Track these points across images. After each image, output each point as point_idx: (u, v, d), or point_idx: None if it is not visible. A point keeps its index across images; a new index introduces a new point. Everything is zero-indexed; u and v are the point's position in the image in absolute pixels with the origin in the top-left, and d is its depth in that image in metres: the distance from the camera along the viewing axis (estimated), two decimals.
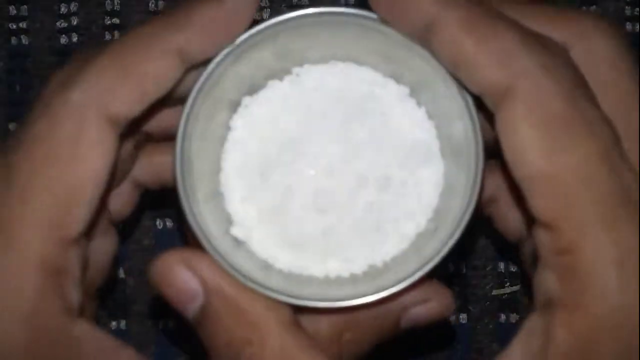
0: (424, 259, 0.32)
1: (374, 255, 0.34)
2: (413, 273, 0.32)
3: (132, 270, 0.45)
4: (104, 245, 0.36)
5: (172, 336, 0.45)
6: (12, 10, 0.47)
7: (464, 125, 0.33)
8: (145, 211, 0.44)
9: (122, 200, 0.38)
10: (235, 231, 0.34)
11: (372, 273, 0.34)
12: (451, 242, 0.32)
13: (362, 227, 0.34)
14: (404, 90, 0.35)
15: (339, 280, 0.34)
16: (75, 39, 0.46)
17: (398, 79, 0.35)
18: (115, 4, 0.47)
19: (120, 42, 0.32)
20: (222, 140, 0.35)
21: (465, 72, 0.31)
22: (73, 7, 0.47)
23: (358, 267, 0.34)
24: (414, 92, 0.35)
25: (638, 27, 0.46)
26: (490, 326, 0.45)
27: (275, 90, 0.35)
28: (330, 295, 0.33)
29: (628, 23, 0.46)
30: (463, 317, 0.45)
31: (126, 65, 0.32)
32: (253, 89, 0.35)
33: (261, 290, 0.32)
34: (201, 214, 0.33)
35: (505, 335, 0.45)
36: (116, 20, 0.47)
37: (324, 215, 0.34)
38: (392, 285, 0.32)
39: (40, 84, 0.46)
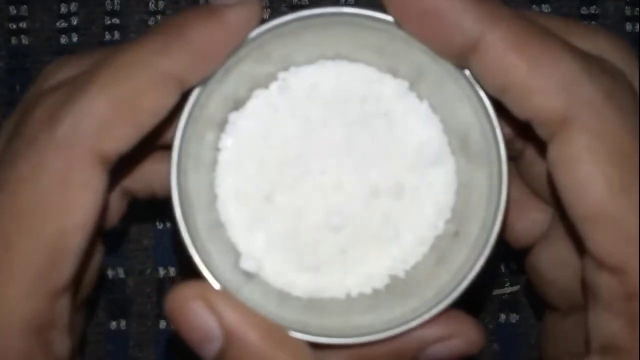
0: (449, 272, 0.31)
1: (394, 264, 0.32)
2: (436, 300, 0.30)
3: (132, 270, 0.45)
4: (92, 260, 0.34)
5: (172, 336, 0.45)
6: (12, 10, 0.47)
7: (477, 118, 0.31)
8: (145, 211, 0.44)
9: (109, 210, 0.35)
10: (245, 264, 0.32)
11: (395, 286, 0.32)
12: (484, 256, 0.30)
13: (380, 240, 0.32)
14: (403, 84, 0.32)
15: (361, 300, 0.32)
16: (75, 39, 0.46)
17: (395, 73, 0.32)
18: (115, 4, 0.47)
19: (111, 68, 0.29)
20: (213, 164, 0.32)
21: (514, 97, 0.29)
22: (73, 7, 0.46)
23: (379, 280, 0.32)
24: (414, 85, 0.32)
25: (638, 27, 0.46)
26: (490, 326, 0.45)
27: (262, 101, 0.32)
28: (352, 324, 0.31)
29: (628, 23, 0.46)
30: None
31: (119, 97, 0.29)
32: (238, 103, 0.32)
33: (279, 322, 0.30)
34: (205, 248, 0.31)
35: (505, 335, 0.45)
36: (116, 20, 0.46)
37: (339, 233, 0.32)
38: (418, 314, 0.30)
39: None
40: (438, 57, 0.30)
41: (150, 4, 0.47)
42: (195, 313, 0.29)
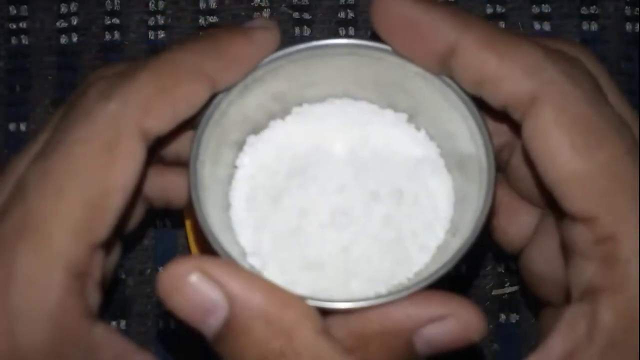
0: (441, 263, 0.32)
1: (397, 271, 0.33)
2: (425, 278, 0.31)
3: (132, 270, 0.45)
4: (109, 257, 0.36)
5: (172, 336, 0.45)
6: (12, 10, 0.47)
7: (470, 134, 0.34)
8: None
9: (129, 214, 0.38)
10: (252, 260, 0.34)
11: (397, 288, 0.33)
12: (464, 249, 0.32)
13: (381, 241, 0.34)
14: (402, 116, 0.36)
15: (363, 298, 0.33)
16: (75, 39, 0.46)
17: (395, 107, 0.36)
18: (115, 4, 0.47)
19: (159, 62, 0.33)
20: (229, 179, 0.36)
21: (490, 88, 0.32)
22: (73, 7, 0.47)
23: (382, 285, 0.33)
24: (412, 118, 0.36)
25: (638, 27, 0.46)
26: (490, 326, 0.45)
27: (279, 129, 0.36)
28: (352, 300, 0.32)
29: (628, 23, 0.46)
30: None
31: (163, 85, 0.33)
32: (256, 129, 0.36)
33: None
34: (220, 241, 0.32)
35: (505, 335, 0.45)
36: (116, 20, 0.47)
37: (342, 232, 0.34)
38: (405, 288, 0.31)
39: (40, 84, 0.46)
40: (429, 77, 0.34)
41: (150, 4, 0.47)
42: (194, 288, 0.30)
